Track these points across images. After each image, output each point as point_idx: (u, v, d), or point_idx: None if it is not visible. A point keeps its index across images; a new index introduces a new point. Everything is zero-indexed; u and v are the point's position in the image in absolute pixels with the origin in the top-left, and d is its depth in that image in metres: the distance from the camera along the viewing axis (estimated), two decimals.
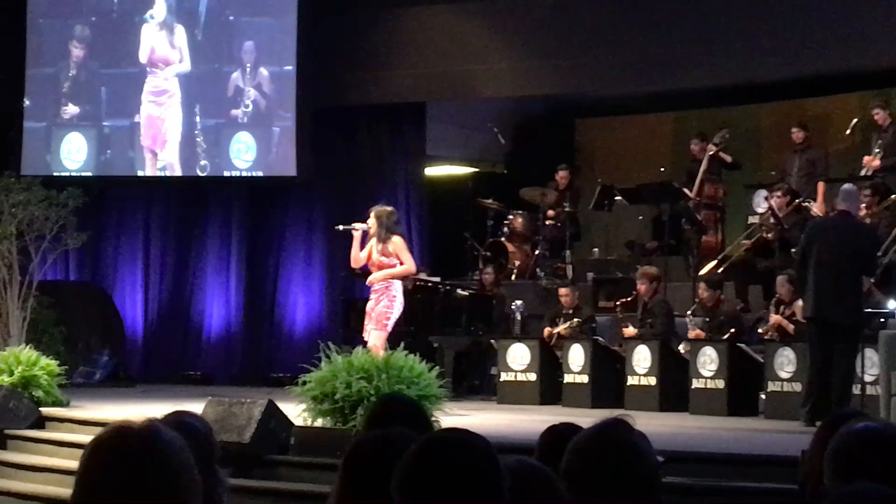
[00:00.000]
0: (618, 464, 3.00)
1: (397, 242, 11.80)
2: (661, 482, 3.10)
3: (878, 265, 12.22)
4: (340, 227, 12.17)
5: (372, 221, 11.79)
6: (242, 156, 17.83)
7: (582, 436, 3.11)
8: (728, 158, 15.92)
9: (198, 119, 17.87)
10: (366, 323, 11.80)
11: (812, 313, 11.03)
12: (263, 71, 17.82)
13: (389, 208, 12.16)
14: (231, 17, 17.98)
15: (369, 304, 11.87)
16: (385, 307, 11.68)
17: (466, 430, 2.76)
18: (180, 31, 17.96)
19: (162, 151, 17.93)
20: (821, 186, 14.83)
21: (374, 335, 11.58)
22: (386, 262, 11.74)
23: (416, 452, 2.54)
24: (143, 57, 17.97)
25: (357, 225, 11.85)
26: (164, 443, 2.38)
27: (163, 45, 18.01)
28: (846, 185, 12.18)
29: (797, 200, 14.47)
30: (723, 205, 16.10)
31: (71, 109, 18.16)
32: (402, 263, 11.76)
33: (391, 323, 11.69)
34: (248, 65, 17.89)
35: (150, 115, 17.96)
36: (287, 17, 17.73)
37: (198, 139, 17.88)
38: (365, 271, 12.31)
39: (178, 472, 2.37)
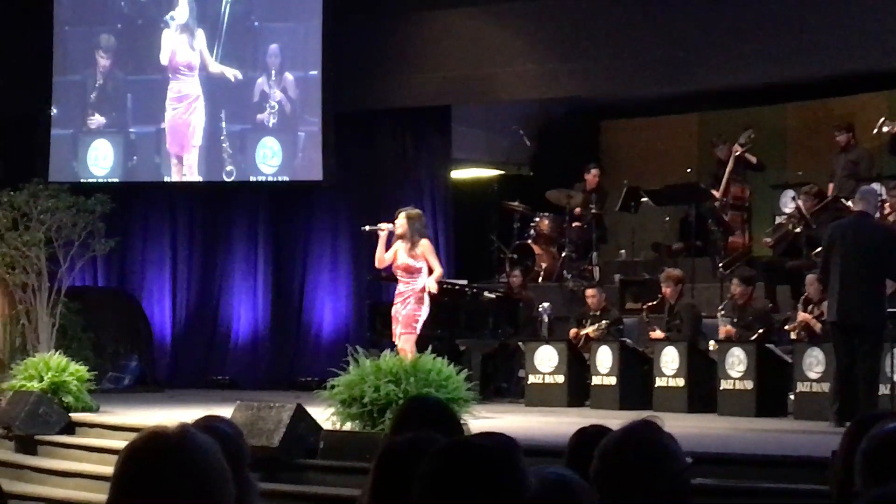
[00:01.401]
0: (647, 466, 3.01)
1: (426, 245, 11.82)
2: (690, 484, 3.10)
3: None
4: (367, 228, 12.19)
5: (402, 222, 11.79)
6: (269, 161, 17.86)
7: (611, 438, 3.11)
8: (753, 159, 15.88)
9: (223, 124, 17.91)
10: (394, 327, 11.83)
11: (835, 317, 11.02)
12: (289, 76, 17.83)
13: (418, 211, 12.19)
14: (256, 23, 18.00)
15: (395, 308, 11.90)
16: (413, 310, 11.71)
17: (493, 433, 2.76)
18: (200, 35, 17.98)
19: (187, 156, 17.97)
20: None
21: (404, 338, 11.61)
22: (413, 264, 11.76)
23: (434, 460, 2.54)
24: (164, 61, 18.01)
25: (383, 225, 11.87)
26: (197, 447, 2.40)
27: (184, 49, 18.04)
28: (864, 186, 12.17)
29: (829, 197, 14.43)
30: (749, 205, 16.06)
31: (98, 118, 18.20)
32: (429, 267, 11.79)
33: (420, 325, 11.72)
34: (274, 70, 17.90)
35: (174, 120, 17.99)
36: (312, 22, 17.73)
37: (223, 144, 17.93)
38: (388, 273, 12.33)
39: (211, 476, 2.39)
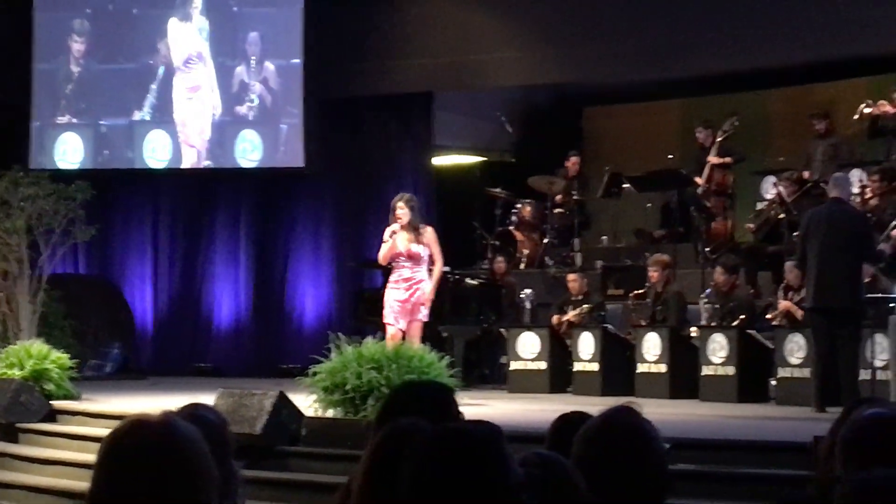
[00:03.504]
0: (626, 451, 3.03)
1: (431, 234, 11.80)
2: (668, 468, 3.13)
3: (883, 254, 12.23)
4: (388, 234, 11.79)
5: (404, 210, 11.72)
6: (248, 155, 17.59)
7: (590, 424, 3.13)
8: (728, 160, 15.81)
9: None
10: (393, 313, 11.73)
11: (813, 303, 11.09)
12: (269, 65, 17.58)
13: (411, 195, 12.16)
14: (235, 8, 17.71)
15: (399, 294, 11.76)
16: (420, 298, 11.68)
17: (476, 420, 2.76)
18: (204, 23, 17.59)
19: (201, 149, 17.65)
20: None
21: (415, 326, 11.61)
22: (419, 251, 11.71)
23: (419, 448, 2.54)
24: (175, 56, 17.67)
25: (390, 228, 11.77)
26: (181, 436, 2.40)
27: (193, 39, 17.66)
28: (837, 173, 12.28)
29: (810, 183, 14.48)
30: (732, 192, 16.08)
31: (68, 107, 17.85)
32: (432, 256, 11.76)
33: (426, 312, 11.72)
34: (254, 58, 17.60)
35: (190, 112, 17.63)
36: (292, 8, 17.50)
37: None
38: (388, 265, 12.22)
39: (194, 464, 2.39)
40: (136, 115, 17.89)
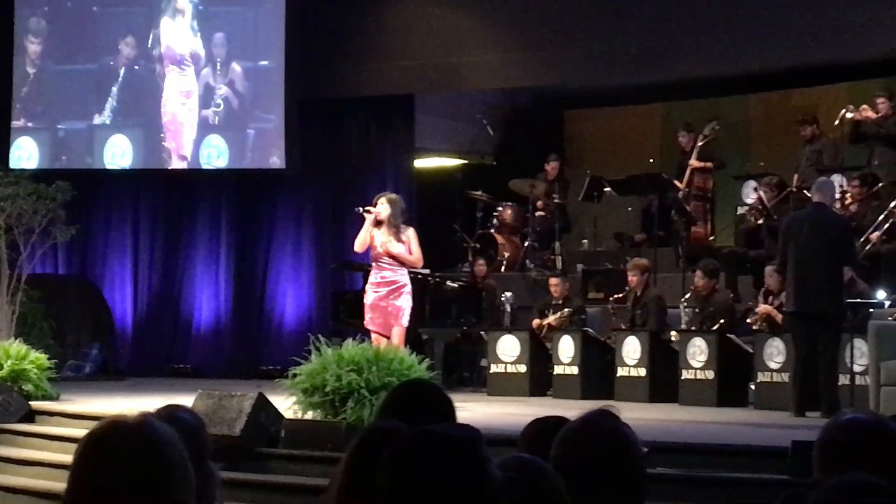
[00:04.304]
0: (606, 454, 3.04)
1: (412, 234, 11.79)
2: (646, 472, 3.13)
3: (860, 256, 12.29)
4: (361, 209, 12.03)
5: (384, 206, 11.72)
6: (213, 161, 17.30)
7: (569, 427, 3.13)
8: (709, 164, 15.86)
9: (165, 120, 17.28)
10: (373, 316, 11.72)
11: (793, 307, 11.13)
12: (236, 67, 17.18)
13: (397, 195, 12.17)
14: (200, 7, 17.24)
15: (375, 297, 11.73)
16: (402, 303, 11.66)
17: (458, 423, 2.75)
18: (191, 18, 17.09)
19: (182, 150, 17.27)
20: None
21: (396, 332, 11.57)
22: (398, 249, 11.69)
23: (395, 451, 2.53)
24: (166, 56, 17.24)
25: (375, 209, 11.77)
26: (157, 437, 2.39)
27: (185, 37, 17.26)
28: (820, 178, 12.31)
29: (789, 189, 14.53)
30: (712, 196, 16.12)
31: (23, 111, 17.33)
32: (408, 250, 11.74)
33: (408, 316, 11.69)
34: (219, 60, 17.17)
35: (178, 116, 17.21)
36: (262, 7, 17.12)
37: (163, 143, 17.34)
38: (362, 261, 12.18)
39: (171, 466, 2.38)
40: (97, 119, 17.44)
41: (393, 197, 11.97)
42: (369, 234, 11.71)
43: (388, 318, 11.63)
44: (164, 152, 17.46)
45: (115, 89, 17.44)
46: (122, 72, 17.47)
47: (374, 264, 11.85)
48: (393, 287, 11.69)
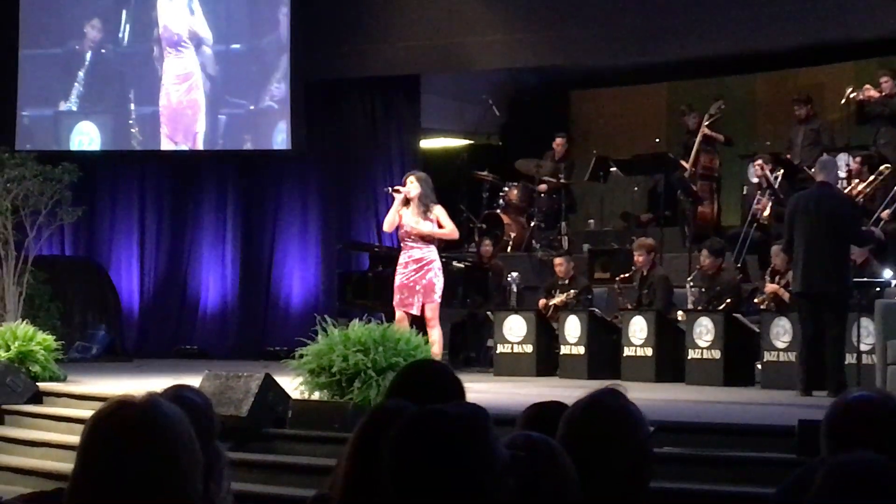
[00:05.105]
0: (611, 433, 3.04)
1: (441, 211, 11.81)
2: (652, 451, 3.14)
3: (873, 236, 12.26)
4: (390, 189, 12.04)
5: (414, 185, 11.74)
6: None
7: (576, 406, 3.13)
8: (720, 137, 15.88)
9: (132, 106, 17.04)
10: (402, 297, 11.74)
11: (800, 288, 11.11)
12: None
13: (425, 174, 12.18)
14: None
15: (403, 278, 11.77)
16: (432, 279, 11.68)
17: (462, 402, 2.75)
18: (196, 2, 17.05)
19: (185, 132, 17.17)
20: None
21: (429, 308, 11.62)
22: (427, 229, 11.72)
23: (401, 430, 2.53)
24: (164, 38, 17.08)
25: (405, 189, 11.79)
26: (164, 417, 2.40)
27: (182, 18, 17.07)
28: (824, 157, 12.30)
29: (784, 161, 14.53)
30: (718, 175, 16.10)
31: None
32: (439, 225, 11.77)
33: (440, 292, 11.73)
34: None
35: (174, 97, 17.04)
36: None
37: (132, 130, 17.12)
38: (391, 241, 12.13)
39: (178, 446, 2.39)
40: (62, 106, 17.20)
41: (422, 175, 11.99)
42: (398, 213, 11.73)
43: (418, 297, 11.66)
44: (164, 134, 17.42)
45: (81, 74, 17.12)
46: (88, 56, 17.18)
47: (402, 244, 11.89)
48: (422, 264, 11.73)
